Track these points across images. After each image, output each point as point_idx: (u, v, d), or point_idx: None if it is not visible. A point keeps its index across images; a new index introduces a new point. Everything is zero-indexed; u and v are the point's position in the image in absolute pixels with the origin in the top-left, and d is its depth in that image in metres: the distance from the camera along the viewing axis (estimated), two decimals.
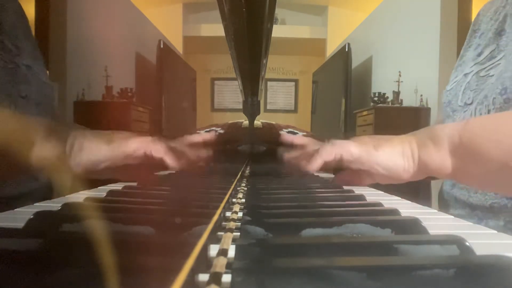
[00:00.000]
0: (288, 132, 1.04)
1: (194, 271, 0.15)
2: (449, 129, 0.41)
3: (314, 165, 0.48)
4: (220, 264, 0.16)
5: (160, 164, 0.50)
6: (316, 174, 0.58)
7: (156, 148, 0.47)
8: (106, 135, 0.48)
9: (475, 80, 0.62)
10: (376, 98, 3.38)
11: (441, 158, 0.41)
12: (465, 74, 0.65)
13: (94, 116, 2.71)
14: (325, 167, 0.56)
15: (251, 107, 0.81)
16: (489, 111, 0.54)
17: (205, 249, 0.18)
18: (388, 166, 0.44)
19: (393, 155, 0.44)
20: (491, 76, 0.58)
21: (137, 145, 0.47)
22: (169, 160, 0.48)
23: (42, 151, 0.42)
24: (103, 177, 0.51)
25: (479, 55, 0.65)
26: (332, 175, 0.65)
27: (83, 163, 0.45)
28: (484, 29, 0.67)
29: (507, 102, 0.51)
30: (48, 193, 0.59)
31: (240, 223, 0.24)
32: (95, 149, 0.45)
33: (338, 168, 0.56)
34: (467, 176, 0.41)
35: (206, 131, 1.01)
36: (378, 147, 0.45)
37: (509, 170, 0.35)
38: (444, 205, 0.67)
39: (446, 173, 0.41)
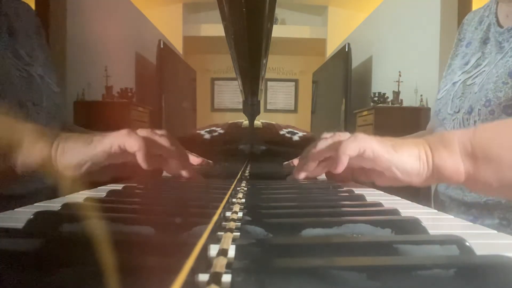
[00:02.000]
0: (288, 132, 1.04)
1: (194, 271, 0.15)
2: (458, 135, 0.40)
3: (341, 166, 0.44)
4: (220, 264, 0.16)
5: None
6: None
7: (130, 142, 0.44)
8: (89, 135, 0.46)
9: (461, 88, 0.63)
10: (376, 98, 3.38)
11: (454, 164, 0.39)
12: (454, 83, 0.67)
13: (94, 116, 2.71)
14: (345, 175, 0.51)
15: (251, 107, 0.81)
16: (475, 122, 0.56)
17: (205, 249, 0.18)
18: (405, 169, 0.41)
19: (411, 158, 0.41)
20: (476, 84, 0.59)
21: (111, 140, 0.44)
22: (140, 157, 0.44)
23: (29, 154, 0.42)
24: (103, 179, 0.50)
25: (466, 63, 0.66)
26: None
27: (67, 166, 0.43)
28: (470, 38, 0.68)
29: (492, 114, 0.53)
30: (52, 194, 0.59)
31: (240, 223, 0.24)
32: (76, 152, 0.44)
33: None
34: (480, 182, 0.39)
35: (206, 131, 1.01)
36: (396, 148, 0.42)
37: None
38: (440, 206, 0.67)
39: (460, 179, 0.40)
